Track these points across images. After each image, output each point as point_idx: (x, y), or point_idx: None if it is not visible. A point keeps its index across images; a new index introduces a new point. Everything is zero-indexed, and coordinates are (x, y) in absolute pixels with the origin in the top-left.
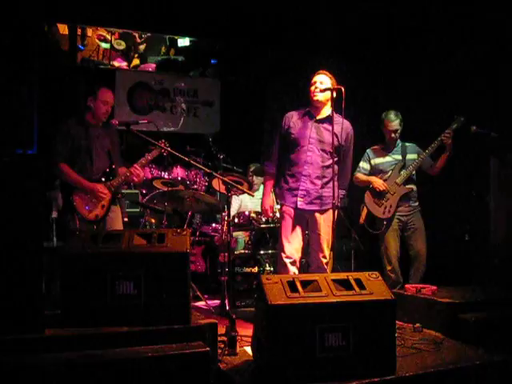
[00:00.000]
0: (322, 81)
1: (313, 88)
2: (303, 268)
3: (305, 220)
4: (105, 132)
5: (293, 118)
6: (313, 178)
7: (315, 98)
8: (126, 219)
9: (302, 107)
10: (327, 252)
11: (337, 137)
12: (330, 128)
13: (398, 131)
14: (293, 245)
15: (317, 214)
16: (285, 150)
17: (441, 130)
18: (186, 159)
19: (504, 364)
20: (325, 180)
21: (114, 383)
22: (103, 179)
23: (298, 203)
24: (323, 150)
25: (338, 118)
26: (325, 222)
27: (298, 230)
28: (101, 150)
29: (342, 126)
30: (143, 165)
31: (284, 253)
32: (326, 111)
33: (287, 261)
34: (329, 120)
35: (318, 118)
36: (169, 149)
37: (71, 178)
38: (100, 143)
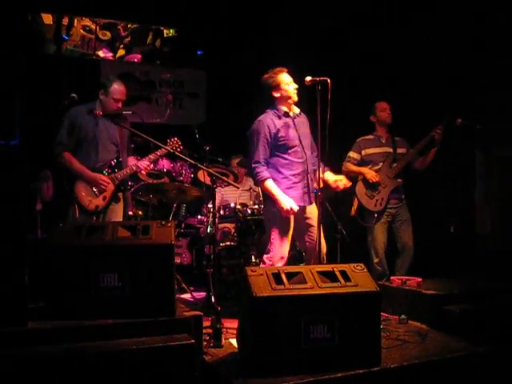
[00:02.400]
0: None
1: (292, 88)
2: (289, 260)
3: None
4: (114, 124)
5: (275, 123)
6: (311, 173)
7: (295, 99)
8: (130, 213)
9: (270, 109)
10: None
11: (310, 127)
12: (303, 121)
13: (388, 111)
14: (288, 246)
15: (312, 207)
16: (274, 152)
17: (429, 125)
18: (182, 157)
19: (488, 355)
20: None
21: (99, 376)
22: (107, 171)
23: (306, 200)
24: (310, 144)
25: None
26: (316, 213)
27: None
28: (108, 141)
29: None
30: (152, 160)
31: (281, 254)
32: (295, 106)
33: (282, 262)
34: (298, 114)
35: (293, 114)
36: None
37: (73, 167)
38: (108, 135)
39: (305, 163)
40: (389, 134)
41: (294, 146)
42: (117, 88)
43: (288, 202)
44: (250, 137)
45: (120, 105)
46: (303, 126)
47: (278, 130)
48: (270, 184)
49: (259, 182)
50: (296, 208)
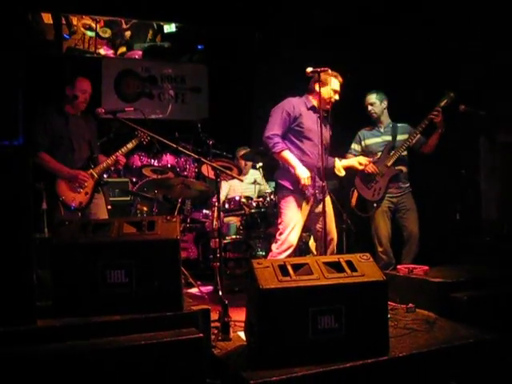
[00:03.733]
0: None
1: (333, 96)
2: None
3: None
4: (84, 121)
5: (300, 108)
6: (317, 171)
7: (326, 107)
8: (109, 207)
9: (301, 96)
10: None
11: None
12: (327, 125)
13: (375, 105)
14: (297, 235)
15: (326, 200)
16: (289, 134)
17: (432, 107)
18: (174, 146)
19: (496, 342)
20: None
21: (108, 372)
22: (83, 167)
23: (317, 195)
24: (327, 146)
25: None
26: (328, 202)
27: (302, 217)
28: (82, 139)
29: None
30: (123, 153)
31: (289, 243)
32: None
33: (290, 250)
34: (325, 115)
35: (320, 111)
36: (148, 136)
37: (52, 166)
38: (80, 133)
39: (314, 159)
40: (388, 120)
41: (309, 138)
42: (81, 80)
43: (305, 171)
44: (273, 111)
45: (88, 97)
46: (325, 127)
47: (300, 115)
48: (287, 154)
49: (276, 153)
50: (309, 180)
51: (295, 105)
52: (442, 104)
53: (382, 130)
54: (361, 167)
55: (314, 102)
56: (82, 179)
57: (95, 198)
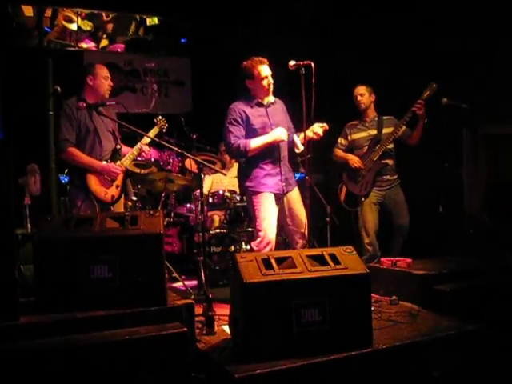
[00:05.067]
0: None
1: (267, 83)
2: (279, 245)
3: (279, 202)
4: (106, 111)
5: (246, 110)
6: (284, 160)
7: (269, 93)
8: (134, 198)
9: (242, 99)
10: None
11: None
12: (278, 108)
13: (364, 96)
14: (273, 231)
15: (293, 193)
16: (250, 138)
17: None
18: (157, 140)
19: (478, 333)
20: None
21: (92, 367)
22: (111, 159)
23: (283, 188)
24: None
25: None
26: (299, 200)
27: (275, 213)
28: (106, 130)
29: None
30: (146, 143)
31: (267, 239)
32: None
33: (269, 247)
34: (273, 102)
35: (267, 103)
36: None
37: (83, 161)
38: (104, 123)
39: (276, 151)
40: (374, 114)
41: (263, 135)
42: (101, 67)
43: (277, 131)
44: (225, 123)
45: (111, 83)
46: (277, 113)
47: (248, 118)
48: (255, 141)
49: (250, 150)
50: (285, 134)
51: (239, 109)
52: (425, 96)
53: (367, 124)
54: (312, 135)
55: (256, 97)
56: (115, 172)
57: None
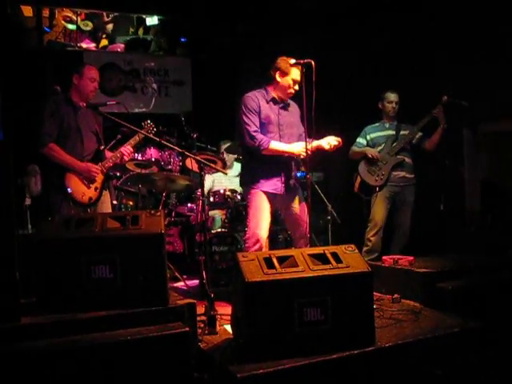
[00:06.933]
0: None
1: (293, 86)
2: (280, 244)
3: (276, 201)
4: (90, 112)
5: (260, 102)
6: (288, 163)
7: (288, 97)
8: (114, 202)
9: (259, 90)
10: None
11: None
12: (292, 110)
13: (397, 104)
14: (264, 230)
15: (294, 194)
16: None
17: (429, 107)
18: (157, 139)
19: (481, 330)
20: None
21: (94, 368)
22: (92, 160)
23: (282, 188)
24: (296, 134)
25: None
26: (301, 199)
27: (269, 211)
28: (89, 130)
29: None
30: (132, 145)
31: (256, 237)
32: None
33: (257, 245)
34: (287, 103)
35: (281, 102)
36: (148, 135)
37: (62, 158)
38: (88, 124)
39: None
40: (395, 121)
41: (271, 132)
42: (90, 68)
43: (299, 147)
44: (240, 113)
45: (96, 85)
46: (289, 115)
47: (260, 110)
48: (275, 144)
49: (262, 149)
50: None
51: (254, 98)
52: (443, 103)
53: (387, 125)
54: (327, 147)
55: (274, 94)
56: (94, 172)
57: (103, 194)
